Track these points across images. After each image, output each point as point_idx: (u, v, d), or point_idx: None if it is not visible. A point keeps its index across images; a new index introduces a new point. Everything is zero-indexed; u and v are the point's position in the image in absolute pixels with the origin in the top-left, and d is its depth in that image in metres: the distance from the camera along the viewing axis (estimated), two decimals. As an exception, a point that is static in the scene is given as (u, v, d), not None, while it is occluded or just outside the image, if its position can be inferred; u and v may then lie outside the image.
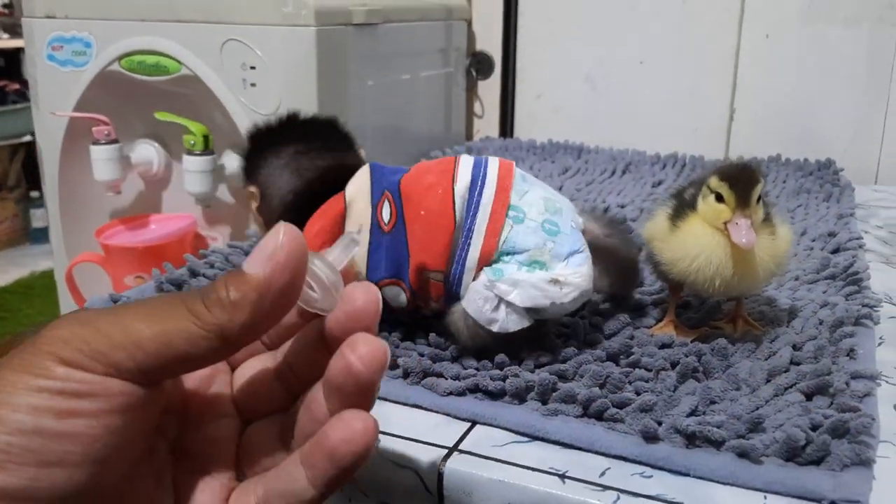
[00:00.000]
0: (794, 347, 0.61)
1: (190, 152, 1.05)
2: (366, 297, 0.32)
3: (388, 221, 0.59)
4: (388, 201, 0.60)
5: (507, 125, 1.46)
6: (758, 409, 0.53)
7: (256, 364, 0.37)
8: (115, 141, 1.11)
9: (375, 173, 0.62)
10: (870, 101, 1.23)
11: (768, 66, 1.28)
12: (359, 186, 0.61)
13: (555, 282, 0.56)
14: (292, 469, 0.32)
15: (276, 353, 0.37)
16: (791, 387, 0.56)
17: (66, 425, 0.27)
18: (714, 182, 0.60)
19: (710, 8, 1.29)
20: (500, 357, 0.58)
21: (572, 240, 0.59)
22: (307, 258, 0.30)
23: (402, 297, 0.60)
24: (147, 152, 1.18)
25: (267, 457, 0.35)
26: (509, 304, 0.56)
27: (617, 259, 0.66)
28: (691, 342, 0.62)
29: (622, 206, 1.03)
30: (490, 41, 1.44)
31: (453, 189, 0.58)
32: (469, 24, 1.43)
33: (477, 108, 1.49)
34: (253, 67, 1.00)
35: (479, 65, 1.45)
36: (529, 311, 0.57)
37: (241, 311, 0.29)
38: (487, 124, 1.49)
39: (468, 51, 1.44)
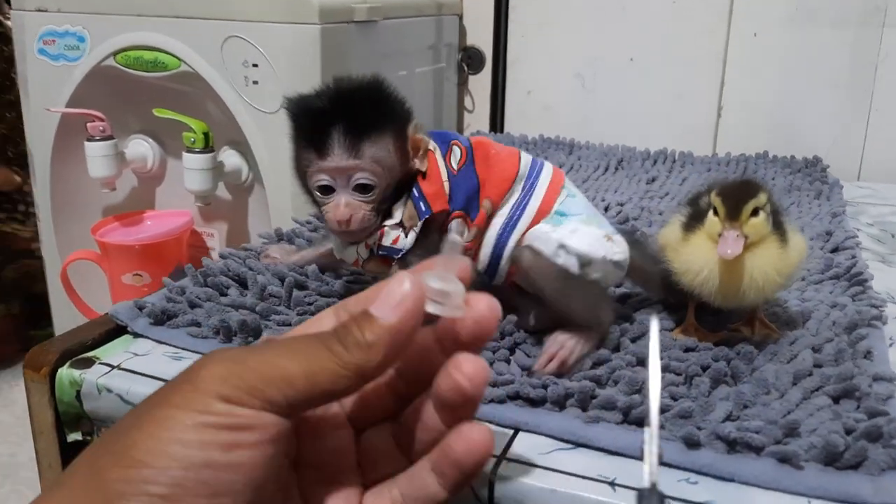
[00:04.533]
0: (814, 350, 0.63)
1: (190, 150, 1.04)
2: (488, 303, 0.36)
3: (458, 164, 0.64)
4: (459, 148, 0.65)
5: (497, 120, 1.47)
6: (789, 413, 0.55)
7: None
8: (110, 137, 1.09)
9: (433, 135, 0.66)
10: (854, 100, 1.26)
11: (756, 65, 1.30)
12: (432, 144, 0.64)
13: (608, 238, 0.64)
14: (424, 475, 0.36)
15: None
16: (817, 390, 0.58)
17: (231, 457, 0.30)
18: (713, 196, 0.62)
19: (700, 8, 1.31)
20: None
21: (610, 225, 0.67)
22: (425, 299, 0.34)
23: (465, 234, 0.63)
24: (142, 149, 1.17)
25: (386, 461, 0.38)
26: (568, 252, 0.61)
27: (643, 277, 0.72)
28: (715, 346, 0.64)
29: (621, 205, 1.05)
30: (481, 36, 1.45)
31: (520, 153, 0.66)
32: (460, 18, 1.43)
33: (467, 102, 1.50)
34: (255, 65, 0.99)
35: (470, 60, 1.45)
36: (583, 268, 0.62)
37: (376, 353, 0.33)
38: (478, 119, 1.49)
39: (459, 46, 1.45)
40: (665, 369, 0.60)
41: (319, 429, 0.37)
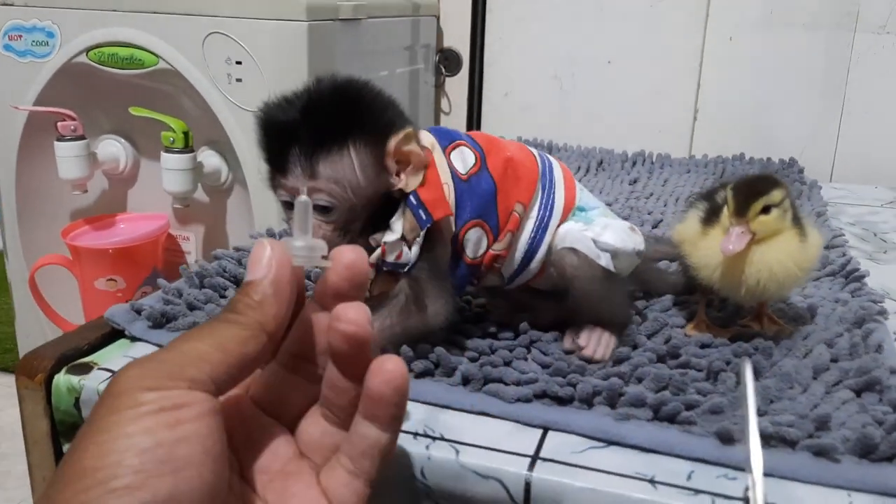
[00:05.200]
0: (828, 344, 0.63)
1: (169, 150, 1.00)
2: (353, 249, 0.38)
3: (468, 170, 0.60)
4: (470, 151, 0.61)
5: (474, 122, 1.46)
6: (815, 407, 0.55)
7: (270, 374, 0.40)
8: (81, 137, 1.05)
9: (434, 131, 0.62)
10: (826, 102, 1.29)
11: (731, 67, 1.32)
12: (431, 142, 0.60)
13: (632, 229, 0.64)
14: (360, 429, 0.37)
15: (280, 356, 0.41)
16: (837, 384, 0.58)
17: (178, 432, 0.31)
18: (727, 190, 0.62)
19: (677, 10, 1.32)
20: (560, 363, 0.58)
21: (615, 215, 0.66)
22: (289, 255, 0.37)
23: (484, 242, 0.60)
24: (113, 149, 1.13)
25: (326, 441, 0.39)
26: (602, 248, 0.61)
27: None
28: (730, 341, 0.64)
29: (609, 205, 1.05)
30: (457, 37, 1.44)
31: (529, 149, 0.64)
32: (437, 19, 1.42)
33: (444, 104, 1.49)
34: (239, 62, 0.96)
35: (447, 61, 1.44)
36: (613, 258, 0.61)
37: (268, 306, 0.35)
38: (454, 121, 1.48)
39: (436, 47, 1.43)
40: (686, 365, 0.59)
41: (252, 436, 0.39)
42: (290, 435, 0.40)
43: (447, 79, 1.46)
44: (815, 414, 0.52)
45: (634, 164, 1.27)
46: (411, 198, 0.57)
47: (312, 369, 0.40)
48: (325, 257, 0.38)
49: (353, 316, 0.36)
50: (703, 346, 0.63)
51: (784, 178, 1.17)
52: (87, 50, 1.03)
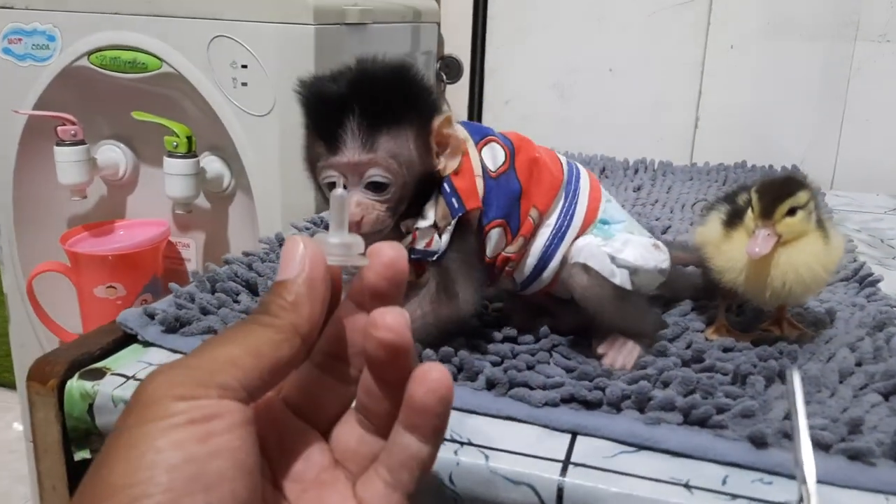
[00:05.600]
0: (850, 348, 0.63)
1: (172, 154, 0.99)
2: (392, 245, 0.35)
3: (498, 168, 0.59)
4: (501, 147, 0.60)
5: (474, 130, 1.45)
6: (845, 410, 0.54)
7: (303, 375, 0.39)
8: (81, 142, 1.03)
9: (466, 126, 0.61)
10: (827, 111, 1.29)
11: (732, 76, 1.32)
12: (464, 135, 0.59)
13: (656, 246, 0.62)
14: (400, 439, 0.35)
15: (313, 355, 0.39)
16: (864, 387, 0.57)
17: (210, 446, 0.29)
18: (752, 192, 0.61)
19: (677, 20, 1.32)
20: (586, 366, 0.58)
21: (644, 229, 0.65)
22: (323, 253, 0.34)
23: (503, 243, 0.60)
24: (113, 155, 1.11)
25: (363, 449, 0.37)
26: (620, 265, 0.59)
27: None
28: (754, 345, 0.63)
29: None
30: (458, 45, 1.43)
31: (558, 155, 0.63)
32: (438, 27, 1.42)
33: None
34: (244, 66, 0.95)
35: (448, 69, 1.43)
36: (631, 276, 0.60)
37: (302, 307, 0.33)
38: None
39: (437, 54, 1.43)
40: (711, 369, 0.59)
41: (284, 441, 0.37)
42: (323, 441, 0.38)
43: (448, 86, 1.46)
44: (847, 417, 0.52)
45: (637, 171, 1.27)
46: (445, 185, 0.56)
47: (348, 370, 0.38)
48: (362, 254, 0.36)
49: (391, 322, 0.34)
50: (726, 349, 0.63)
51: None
52: (89, 53, 1.01)
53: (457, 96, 1.46)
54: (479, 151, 0.59)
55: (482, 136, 0.60)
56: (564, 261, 0.61)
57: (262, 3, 0.94)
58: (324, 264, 0.35)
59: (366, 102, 0.52)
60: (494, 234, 0.59)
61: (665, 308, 0.71)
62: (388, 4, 1.19)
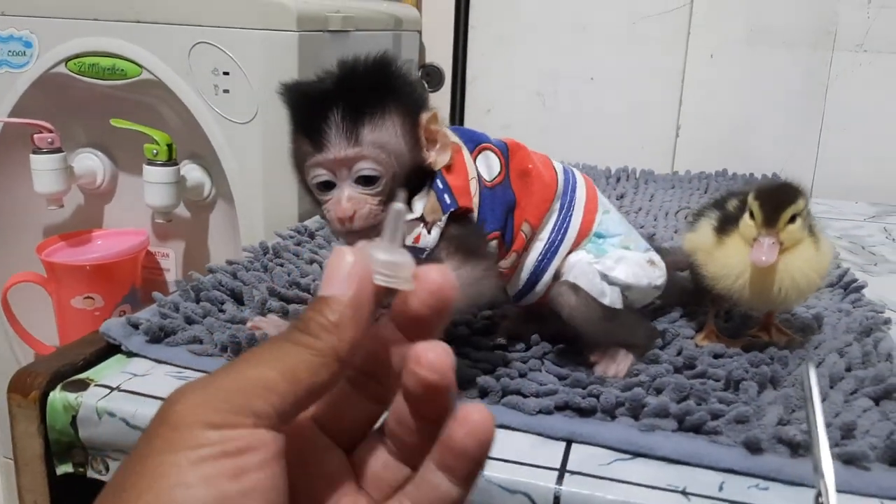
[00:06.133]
0: (839, 354, 0.63)
1: (151, 162, 0.97)
2: (441, 271, 0.33)
3: (494, 178, 0.58)
4: (496, 156, 0.59)
5: (455, 138, 1.45)
6: (838, 415, 0.54)
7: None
8: (58, 150, 1.01)
9: (458, 132, 0.60)
10: (805, 119, 1.30)
11: (712, 84, 1.33)
12: (455, 137, 0.58)
13: (651, 263, 0.61)
14: (431, 477, 0.33)
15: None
16: (855, 392, 0.58)
17: (242, 484, 0.27)
18: (750, 199, 0.61)
19: (658, 28, 1.33)
20: (578, 374, 0.57)
21: (642, 240, 0.64)
22: (371, 270, 0.32)
23: (497, 256, 0.58)
24: (91, 163, 1.09)
25: (386, 473, 0.35)
26: (611, 282, 0.58)
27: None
28: (744, 351, 0.63)
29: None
30: (440, 53, 1.43)
31: (553, 162, 0.62)
32: (419, 35, 1.42)
33: (426, 120, 1.48)
34: (226, 73, 0.94)
35: (429, 77, 1.43)
36: (624, 293, 0.59)
37: (345, 330, 0.31)
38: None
39: (418, 62, 1.43)
40: (703, 375, 0.59)
41: (307, 458, 0.35)
42: (347, 462, 0.36)
43: (430, 94, 1.45)
44: (840, 422, 0.52)
45: (619, 179, 1.28)
46: (437, 181, 0.55)
47: (379, 390, 0.36)
48: (408, 277, 0.33)
49: (435, 360, 0.31)
50: (717, 356, 0.63)
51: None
52: (67, 60, 1.00)
53: (438, 104, 1.45)
54: (475, 159, 0.58)
55: (476, 144, 0.59)
56: (557, 274, 0.60)
57: (245, 10, 0.93)
58: (371, 283, 0.32)
59: (349, 96, 0.52)
60: (491, 247, 0.58)
61: (654, 314, 0.71)
62: (370, 12, 1.19)
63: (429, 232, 0.55)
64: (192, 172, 1.05)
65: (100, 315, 1.03)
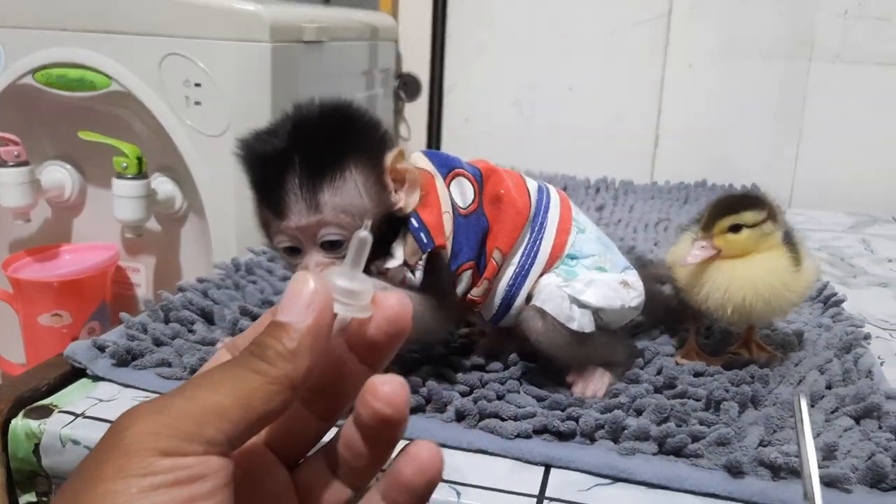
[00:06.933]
0: (819, 371, 0.62)
1: (121, 175, 0.95)
2: (399, 299, 0.33)
3: (468, 205, 0.57)
4: (469, 182, 0.57)
5: (433, 148, 1.44)
6: (819, 435, 0.53)
7: None
8: (25, 163, 0.99)
9: (431, 156, 0.59)
10: (784, 129, 1.31)
11: (691, 94, 1.33)
12: (430, 168, 0.57)
13: (625, 284, 0.59)
14: None
15: None
16: (835, 410, 0.57)
17: None
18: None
19: (637, 38, 1.33)
20: (557, 395, 0.56)
21: (622, 258, 0.63)
22: (332, 297, 0.32)
23: (470, 284, 0.57)
24: (59, 175, 1.07)
25: (328, 494, 0.35)
26: (582, 305, 0.56)
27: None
28: (725, 369, 0.62)
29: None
30: (417, 63, 1.42)
31: (527, 184, 0.60)
32: (396, 44, 1.40)
33: (403, 130, 1.47)
34: (198, 84, 0.92)
35: (406, 86, 1.42)
36: (596, 315, 0.57)
37: (302, 358, 0.30)
38: (414, 147, 1.46)
39: (395, 72, 1.41)
40: (684, 395, 0.58)
41: (252, 477, 0.34)
42: (290, 481, 0.35)
43: (406, 104, 1.44)
44: (822, 442, 0.51)
45: (598, 190, 1.27)
46: (413, 221, 0.53)
47: (326, 406, 0.35)
48: (367, 304, 0.33)
49: (391, 394, 0.32)
50: (697, 374, 0.62)
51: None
52: (34, 71, 0.98)
53: (415, 114, 1.44)
54: (448, 185, 0.57)
55: (449, 169, 0.58)
56: (530, 297, 0.59)
57: (217, 21, 0.91)
58: (331, 311, 0.32)
59: (306, 156, 0.49)
60: (465, 277, 0.57)
61: (634, 330, 0.70)
62: (346, 22, 1.17)
63: (413, 273, 0.54)
64: (163, 185, 1.03)
65: (68, 332, 1.00)
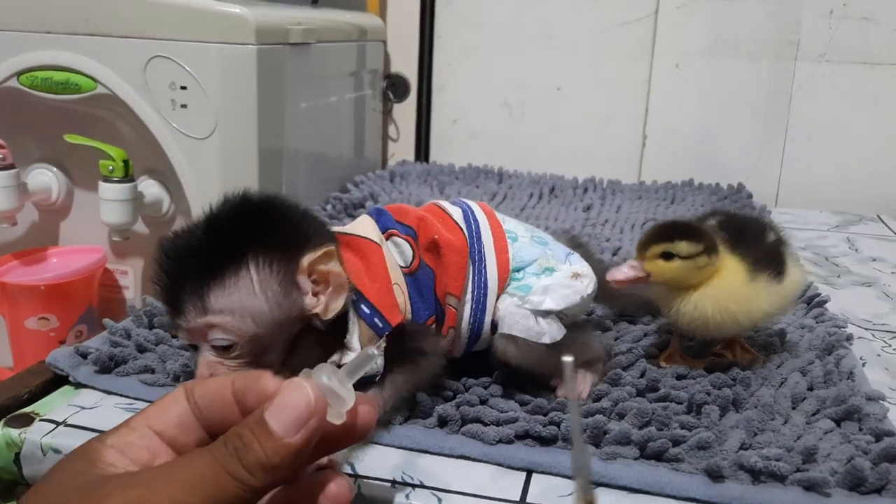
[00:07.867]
0: (801, 373, 0.63)
1: (107, 179, 0.95)
2: (368, 411, 0.37)
3: (410, 263, 0.57)
4: (402, 239, 0.57)
5: (421, 149, 1.44)
6: (799, 438, 0.54)
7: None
8: (10, 166, 0.98)
9: (375, 216, 0.59)
10: (770, 129, 1.31)
11: (678, 94, 1.33)
12: (377, 235, 0.57)
13: (575, 276, 0.59)
14: None
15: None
16: (816, 413, 0.57)
17: None
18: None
19: (624, 38, 1.33)
20: (540, 400, 0.56)
21: (560, 246, 0.63)
22: (326, 414, 0.34)
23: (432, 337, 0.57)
24: (45, 178, 1.06)
25: None
26: (546, 314, 0.57)
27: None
28: (707, 371, 0.62)
29: (567, 232, 1.04)
30: (405, 63, 1.42)
31: (453, 217, 0.59)
32: (384, 45, 1.40)
33: (391, 131, 1.46)
34: (184, 87, 0.92)
35: (394, 87, 1.42)
36: (561, 315, 0.58)
37: (282, 473, 0.32)
38: (402, 148, 1.46)
39: (383, 73, 1.41)
40: (666, 398, 0.58)
41: None
42: None
43: (395, 105, 1.44)
44: (801, 446, 0.51)
45: (586, 190, 1.27)
46: (363, 307, 0.52)
47: None
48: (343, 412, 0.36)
49: (338, 494, 0.35)
50: (680, 377, 0.62)
51: (733, 204, 1.18)
52: (19, 74, 0.97)
53: (404, 115, 1.44)
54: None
55: (384, 230, 0.57)
56: (494, 323, 0.58)
57: (202, 23, 0.91)
58: (322, 429, 0.33)
59: (202, 254, 0.47)
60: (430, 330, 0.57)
61: (618, 334, 0.70)
62: (333, 23, 1.17)
63: (375, 362, 0.53)
64: (151, 188, 1.02)
65: (55, 336, 1.00)
